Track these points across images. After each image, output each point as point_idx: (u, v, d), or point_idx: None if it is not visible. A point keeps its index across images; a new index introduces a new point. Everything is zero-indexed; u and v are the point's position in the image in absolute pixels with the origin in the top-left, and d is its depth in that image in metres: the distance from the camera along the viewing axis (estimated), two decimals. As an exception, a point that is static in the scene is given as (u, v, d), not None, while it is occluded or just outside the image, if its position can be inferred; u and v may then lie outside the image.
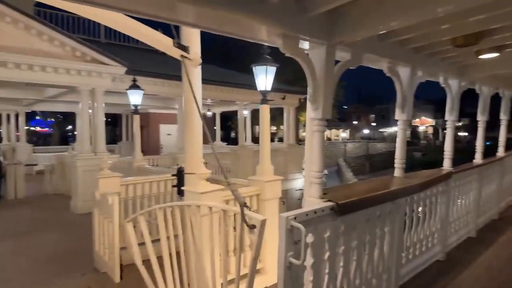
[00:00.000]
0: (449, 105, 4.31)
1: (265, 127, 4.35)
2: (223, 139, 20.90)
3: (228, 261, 3.30)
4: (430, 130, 45.49)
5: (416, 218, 3.87)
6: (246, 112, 13.81)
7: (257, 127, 32.29)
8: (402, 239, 3.43)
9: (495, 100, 5.69)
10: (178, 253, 2.94)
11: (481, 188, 5.39)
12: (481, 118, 5.25)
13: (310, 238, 2.29)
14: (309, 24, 2.37)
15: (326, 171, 13.76)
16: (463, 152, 12.21)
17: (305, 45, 2.56)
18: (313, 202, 2.61)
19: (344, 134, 46.25)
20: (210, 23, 2.28)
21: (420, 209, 3.90)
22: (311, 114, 2.65)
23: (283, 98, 12.51)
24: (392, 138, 43.88)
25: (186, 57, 3.70)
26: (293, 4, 2.26)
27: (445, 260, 4.36)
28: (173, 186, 4.61)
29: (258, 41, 2.51)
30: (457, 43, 3.00)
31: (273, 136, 29.97)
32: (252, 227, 2.39)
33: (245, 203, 2.52)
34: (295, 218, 2.13)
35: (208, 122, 15.99)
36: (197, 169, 3.65)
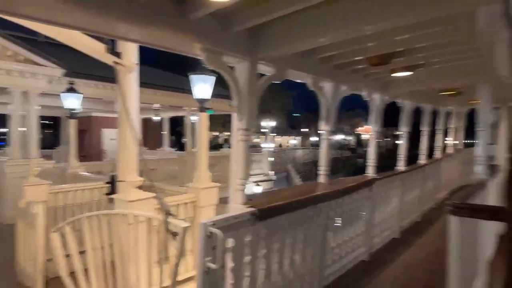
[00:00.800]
0: (373, 117, 4.71)
1: (203, 135, 4.42)
2: (176, 144, 20.49)
3: (155, 271, 3.30)
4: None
5: (341, 221, 4.15)
6: (194, 118, 13.75)
7: (209, 132, 32.16)
8: (326, 242, 3.67)
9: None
10: (108, 264, 2.89)
11: (405, 192, 5.90)
12: (404, 129, 5.78)
13: (230, 243, 2.40)
14: (232, 40, 2.51)
15: (274, 177, 13.98)
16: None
17: (230, 59, 2.69)
18: (238, 208, 2.72)
19: (294, 141, 47.61)
20: (138, 36, 2.33)
21: (345, 213, 4.19)
22: (237, 124, 2.78)
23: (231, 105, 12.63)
24: (338, 145, 46.03)
25: (119, 64, 3.67)
26: (216, 21, 2.39)
27: (369, 260, 4.71)
28: (106, 194, 4.49)
29: (183, 53, 2.59)
30: (372, 62, 3.33)
31: (225, 142, 30.04)
32: (174, 234, 2.44)
33: (170, 211, 2.57)
34: (213, 224, 2.22)
35: (155, 127, 15.63)
36: (129, 176, 3.61)
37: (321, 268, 3.54)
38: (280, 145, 44.17)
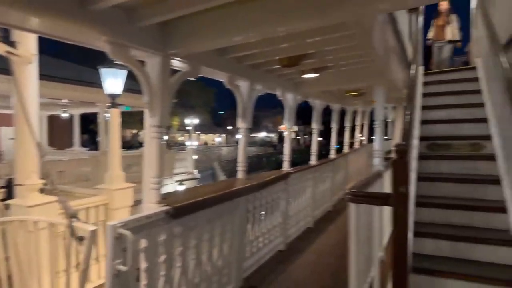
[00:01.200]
0: (287, 115, 4.99)
1: (115, 132, 4.19)
2: (90, 143, 18.85)
3: (61, 281, 3.03)
4: (293, 135, 51.71)
5: (259, 214, 4.33)
6: (109, 115, 12.85)
7: (127, 130, 30.31)
8: (245, 235, 3.79)
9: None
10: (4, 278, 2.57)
11: (317, 184, 6.37)
12: (315, 126, 6.24)
13: (143, 243, 2.33)
14: (141, 33, 2.42)
15: (199, 175, 13.71)
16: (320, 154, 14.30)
17: (140, 53, 2.60)
18: (151, 208, 2.65)
19: (219, 138, 47.68)
20: (35, 25, 2.11)
21: (262, 206, 4.38)
22: (149, 121, 2.70)
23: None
24: (262, 142, 47.51)
25: (13, 54, 3.27)
26: (123, 13, 2.29)
27: (286, 249, 5.00)
28: (1, 200, 3.97)
29: (88, 45, 2.43)
30: (283, 64, 3.54)
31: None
32: (80, 239, 2.29)
33: (75, 215, 2.40)
34: (123, 225, 2.14)
35: (65, 125, 14.21)
36: (28, 179, 3.24)
37: (240, 261, 3.65)
38: (206, 143, 43.86)
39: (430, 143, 4.10)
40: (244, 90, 3.74)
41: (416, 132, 4.14)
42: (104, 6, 2.00)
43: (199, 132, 37.20)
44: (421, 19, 5.47)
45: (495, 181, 3.25)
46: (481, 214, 3.07)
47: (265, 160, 32.63)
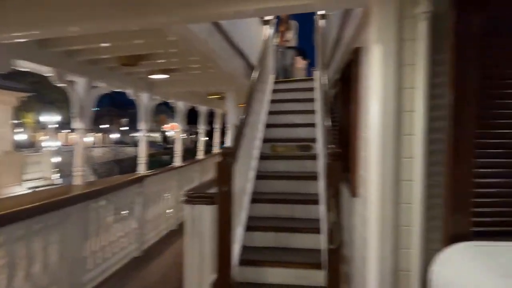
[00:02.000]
0: (141, 116, 4.80)
1: None
2: None
3: None
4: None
5: (105, 222, 4.05)
6: None
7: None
8: (83, 246, 3.48)
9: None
10: None
11: (182, 185, 6.33)
12: (180, 128, 6.20)
13: None
14: None
15: (60, 180, 12.01)
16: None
17: None
18: None
19: (91, 138, 43.14)
20: None
21: (110, 212, 4.10)
22: None
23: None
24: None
25: None
26: None
27: (142, 255, 4.81)
28: None
29: None
30: (122, 62, 3.38)
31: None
32: None
33: None
34: None
35: None
36: None
37: (76, 275, 3.34)
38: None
39: (272, 145, 4.53)
40: (81, 88, 3.44)
41: (260, 134, 4.52)
42: None
43: (68, 130, 32.84)
44: (269, 29, 5.98)
45: (315, 177, 3.79)
46: (301, 206, 3.54)
47: (149, 160, 30.95)
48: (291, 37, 7.53)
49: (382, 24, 1.76)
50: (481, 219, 1.61)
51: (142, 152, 4.96)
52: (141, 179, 4.79)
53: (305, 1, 1.85)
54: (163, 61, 3.52)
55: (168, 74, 4.04)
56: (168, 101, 5.73)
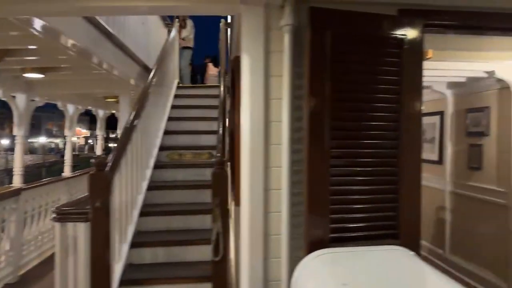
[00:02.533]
0: (17, 120, 4.16)
1: None
2: None
3: None
4: (83, 141, 45.96)
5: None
6: None
7: None
8: None
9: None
10: None
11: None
12: (68, 133, 5.57)
13: None
14: None
15: None
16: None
17: None
18: None
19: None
20: None
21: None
22: None
23: None
24: (45, 149, 40.30)
25: None
26: None
27: (17, 281, 4.16)
28: None
29: None
30: (-20, 57, 2.86)
31: None
32: None
33: None
34: None
35: None
36: None
37: None
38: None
39: (171, 152, 4.33)
40: None
41: (158, 141, 4.28)
42: None
43: None
44: (172, 32, 5.79)
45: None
46: (197, 217, 3.42)
47: (45, 169, 27.60)
48: (187, 36, 7.20)
49: (250, 34, 1.76)
50: (338, 225, 1.70)
51: (18, 162, 4.29)
52: (16, 192, 4.13)
53: (169, 2, 1.75)
54: (33, 58, 3.07)
55: (43, 74, 3.55)
56: (55, 103, 5.09)
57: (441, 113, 4.84)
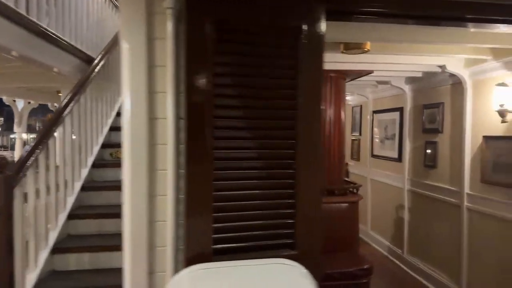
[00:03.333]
0: None
1: None
2: None
3: None
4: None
5: None
6: None
7: None
8: None
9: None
10: None
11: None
12: (18, 130, 5.29)
13: None
14: None
15: None
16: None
17: None
18: None
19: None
20: None
21: None
22: None
23: None
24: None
25: None
26: None
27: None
28: None
29: None
30: None
31: None
32: None
33: None
34: None
35: None
36: None
37: None
38: None
39: (115, 150, 4.09)
40: None
41: (100, 138, 4.04)
42: None
43: None
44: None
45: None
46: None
47: None
48: None
49: (130, 17, 1.55)
50: (223, 235, 1.50)
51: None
52: None
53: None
54: None
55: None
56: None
57: (400, 109, 4.69)
